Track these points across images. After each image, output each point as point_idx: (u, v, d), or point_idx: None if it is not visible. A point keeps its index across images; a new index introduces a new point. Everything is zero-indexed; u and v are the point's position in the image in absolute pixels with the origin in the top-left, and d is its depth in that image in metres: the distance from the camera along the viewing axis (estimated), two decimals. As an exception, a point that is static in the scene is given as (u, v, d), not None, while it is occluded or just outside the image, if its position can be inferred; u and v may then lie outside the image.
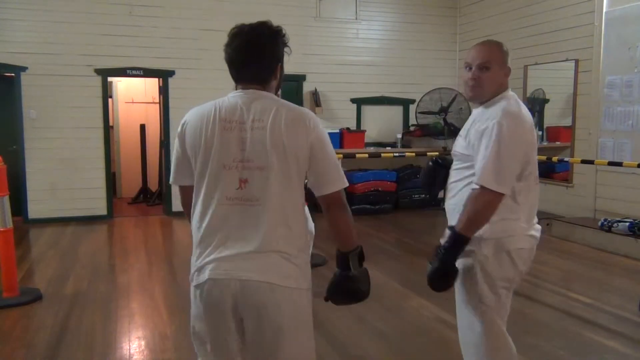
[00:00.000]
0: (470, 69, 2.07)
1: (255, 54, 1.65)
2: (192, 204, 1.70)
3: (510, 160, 1.92)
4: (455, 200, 2.11)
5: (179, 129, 1.72)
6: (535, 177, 2.08)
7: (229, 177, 1.61)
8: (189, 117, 1.71)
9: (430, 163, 2.38)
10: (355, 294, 1.78)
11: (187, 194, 1.76)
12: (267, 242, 1.60)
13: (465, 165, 2.07)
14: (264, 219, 1.60)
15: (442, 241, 2.02)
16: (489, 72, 2.03)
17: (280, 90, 1.78)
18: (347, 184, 1.70)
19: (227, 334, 1.66)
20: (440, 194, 2.30)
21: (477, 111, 2.13)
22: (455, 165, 2.17)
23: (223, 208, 1.62)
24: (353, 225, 1.74)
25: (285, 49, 1.72)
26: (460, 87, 8.75)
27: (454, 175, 2.16)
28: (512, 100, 2.05)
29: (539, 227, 2.13)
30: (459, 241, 1.96)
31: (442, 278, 2.02)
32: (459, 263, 2.02)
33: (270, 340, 1.63)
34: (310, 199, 1.80)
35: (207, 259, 1.63)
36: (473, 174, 1.98)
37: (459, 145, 2.13)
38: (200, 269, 1.64)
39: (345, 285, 1.76)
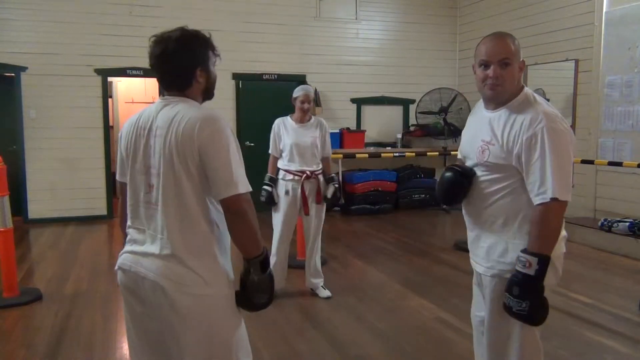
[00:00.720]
0: (487, 66, 1.92)
1: (166, 63, 1.71)
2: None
3: (569, 166, 1.83)
4: (492, 212, 1.98)
5: (119, 135, 1.84)
6: None
7: (141, 182, 1.72)
8: (126, 124, 1.81)
9: (451, 174, 2.07)
10: (242, 301, 1.73)
11: (121, 187, 1.87)
12: (164, 245, 1.65)
13: (502, 175, 1.94)
14: (163, 223, 1.65)
15: (521, 269, 1.83)
16: (510, 68, 1.90)
17: (208, 93, 1.79)
18: (243, 190, 1.61)
19: (134, 316, 1.75)
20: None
21: (499, 114, 1.95)
22: (485, 174, 2.00)
23: (138, 209, 1.74)
24: (254, 231, 1.66)
25: (209, 52, 1.73)
26: (460, 87, 8.76)
27: (486, 184, 1.99)
28: (539, 98, 1.95)
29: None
30: (547, 263, 1.82)
31: (544, 308, 1.87)
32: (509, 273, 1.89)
33: (163, 341, 1.69)
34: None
35: (123, 250, 1.78)
36: (511, 184, 1.91)
37: (493, 155, 1.94)
38: (121, 257, 1.78)
39: (243, 294, 1.72)
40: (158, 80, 1.78)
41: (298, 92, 4.11)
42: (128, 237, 1.78)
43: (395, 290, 4.48)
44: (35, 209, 7.21)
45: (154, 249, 1.66)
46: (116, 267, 1.78)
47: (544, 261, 1.81)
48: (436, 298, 4.20)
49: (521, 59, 1.96)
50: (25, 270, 5.00)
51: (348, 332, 3.59)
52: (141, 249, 1.70)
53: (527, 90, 1.97)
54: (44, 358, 3.19)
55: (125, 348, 3.35)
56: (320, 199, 4.15)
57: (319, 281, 4.25)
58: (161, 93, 1.80)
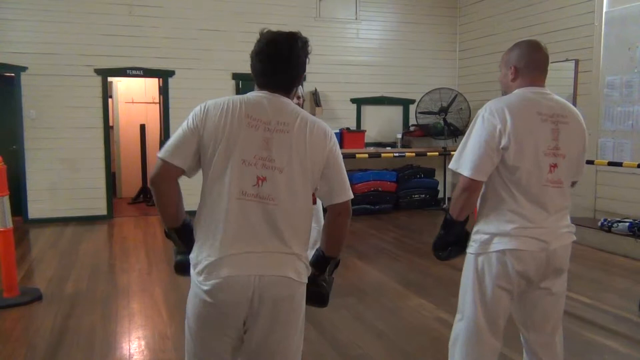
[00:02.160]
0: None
1: (289, 66, 1.73)
2: (202, 196, 1.69)
3: (478, 148, 2.03)
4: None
5: (199, 109, 1.69)
6: None
7: (247, 173, 1.63)
8: (212, 104, 1.69)
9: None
10: (322, 297, 1.87)
11: (169, 171, 1.66)
12: (281, 241, 1.65)
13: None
14: (278, 218, 1.64)
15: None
16: (500, 75, 2.18)
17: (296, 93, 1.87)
18: (351, 196, 1.79)
19: (231, 332, 1.67)
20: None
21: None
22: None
23: (239, 203, 1.62)
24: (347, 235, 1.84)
25: (308, 59, 1.80)
26: (460, 87, 8.77)
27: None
28: (508, 96, 2.09)
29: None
30: (449, 219, 2.16)
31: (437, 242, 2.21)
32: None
33: (280, 331, 1.69)
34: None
35: (220, 255, 1.61)
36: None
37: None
38: (213, 266, 1.62)
39: (317, 289, 1.85)
40: (267, 79, 1.74)
41: None
42: (211, 236, 1.64)
43: (395, 290, 4.48)
44: (35, 209, 7.21)
45: (266, 245, 1.65)
46: (223, 275, 1.61)
47: (446, 216, 2.13)
48: (436, 298, 4.20)
49: (511, 66, 2.09)
50: (25, 270, 5.00)
51: (348, 332, 3.59)
52: (250, 249, 1.63)
53: (516, 91, 2.07)
54: (44, 358, 3.19)
55: (125, 348, 3.35)
56: (315, 199, 4.11)
57: None
58: (262, 90, 1.75)
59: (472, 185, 1.97)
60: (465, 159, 1.97)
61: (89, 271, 5.00)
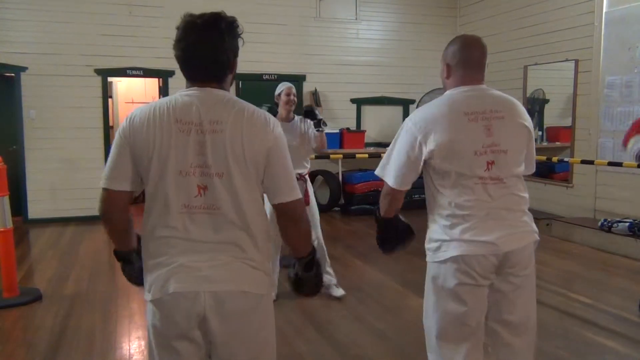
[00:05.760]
0: None
1: (214, 51, 1.54)
2: (145, 212, 1.59)
3: (397, 155, 2.04)
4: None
5: (125, 124, 1.55)
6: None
7: (186, 184, 1.51)
8: (138, 113, 1.55)
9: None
10: (297, 288, 1.78)
11: (116, 199, 1.58)
12: (232, 250, 1.53)
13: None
14: (226, 227, 1.52)
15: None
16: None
17: (230, 85, 1.68)
18: (300, 195, 1.62)
19: (190, 347, 1.55)
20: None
21: None
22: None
23: (182, 217, 1.51)
24: (308, 234, 1.69)
25: (239, 41, 1.62)
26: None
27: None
28: (433, 101, 2.07)
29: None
30: (379, 218, 2.23)
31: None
32: None
33: (243, 351, 1.58)
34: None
35: (169, 269, 1.52)
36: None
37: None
38: (163, 281, 1.52)
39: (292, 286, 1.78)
40: (193, 70, 1.58)
41: (281, 87, 4.09)
42: (159, 254, 1.54)
43: (395, 290, 4.48)
44: (35, 209, 7.21)
45: (216, 256, 1.53)
46: (168, 292, 1.51)
47: (376, 214, 2.19)
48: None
49: (445, 64, 2.04)
50: (25, 270, 5.00)
51: (348, 332, 3.59)
52: (197, 262, 1.51)
53: (445, 93, 2.05)
54: (44, 358, 3.19)
55: (125, 348, 3.35)
56: (308, 200, 4.08)
57: (334, 280, 4.23)
58: (192, 83, 1.59)
59: (395, 193, 2.05)
60: (389, 169, 2.02)
61: (89, 271, 5.00)
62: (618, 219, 5.71)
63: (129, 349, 3.33)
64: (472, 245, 1.90)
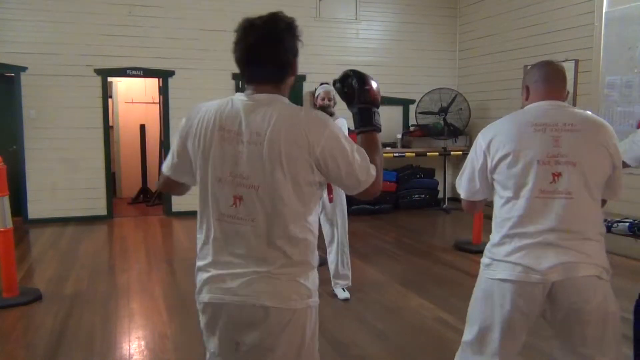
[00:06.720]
0: None
1: (273, 52, 1.51)
2: (198, 210, 1.59)
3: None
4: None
5: (183, 122, 1.59)
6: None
7: (223, 192, 1.50)
8: (193, 114, 1.56)
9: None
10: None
11: (173, 185, 1.68)
12: (267, 263, 1.49)
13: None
14: (258, 241, 1.49)
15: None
16: None
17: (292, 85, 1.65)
18: (373, 175, 1.54)
19: (230, 353, 1.57)
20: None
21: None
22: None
23: (218, 224, 1.52)
24: (381, 166, 1.63)
25: (299, 42, 1.58)
26: (460, 87, 8.76)
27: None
28: None
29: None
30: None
31: None
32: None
33: None
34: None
35: (205, 277, 1.55)
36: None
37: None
38: (200, 288, 1.57)
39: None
40: (251, 72, 1.55)
41: (319, 90, 4.33)
42: (201, 255, 1.56)
43: (395, 290, 4.48)
44: (35, 209, 7.21)
45: (248, 268, 1.50)
46: (204, 300, 1.54)
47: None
48: (436, 298, 4.20)
49: (524, 86, 2.06)
50: (25, 270, 5.00)
51: (348, 332, 3.59)
52: (229, 272, 1.51)
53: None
54: (44, 358, 3.19)
55: (125, 348, 3.35)
56: (331, 199, 4.11)
57: (342, 282, 4.23)
58: (250, 85, 1.56)
59: (468, 204, 2.11)
60: (461, 181, 2.09)
61: (89, 271, 5.00)
62: (618, 219, 5.69)
63: (129, 349, 3.33)
64: (517, 270, 1.86)
